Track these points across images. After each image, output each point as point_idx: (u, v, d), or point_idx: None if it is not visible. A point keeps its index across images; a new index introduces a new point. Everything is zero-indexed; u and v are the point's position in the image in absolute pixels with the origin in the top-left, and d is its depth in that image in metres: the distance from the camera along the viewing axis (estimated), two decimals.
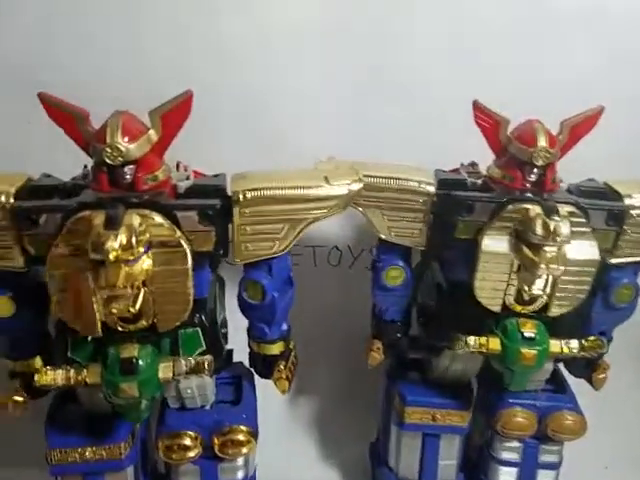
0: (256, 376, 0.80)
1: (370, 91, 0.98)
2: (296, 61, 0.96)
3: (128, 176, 0.59)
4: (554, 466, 0.84)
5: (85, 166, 0.67)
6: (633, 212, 0.70)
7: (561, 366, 0.86)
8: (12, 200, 0.58)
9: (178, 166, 0.68)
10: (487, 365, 0.79)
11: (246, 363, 0.79)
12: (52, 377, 0.60)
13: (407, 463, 0.85)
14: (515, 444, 0.83)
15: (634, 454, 1.05)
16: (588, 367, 0.82)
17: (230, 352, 0.80)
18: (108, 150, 0.56)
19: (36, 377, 0.60)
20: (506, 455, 0.83)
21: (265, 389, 0.86)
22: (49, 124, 0.60)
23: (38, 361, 0.68)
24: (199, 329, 0.66)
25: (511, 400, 0.80)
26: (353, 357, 0.85)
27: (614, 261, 0.73)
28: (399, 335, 0.81)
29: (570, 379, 0.86)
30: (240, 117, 0.95)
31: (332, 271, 1.09)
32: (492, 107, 0.71)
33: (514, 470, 0.84)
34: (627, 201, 0.70)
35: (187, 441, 0.71)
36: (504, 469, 0.84)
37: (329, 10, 0.96)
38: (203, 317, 0.66)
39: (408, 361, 0.86)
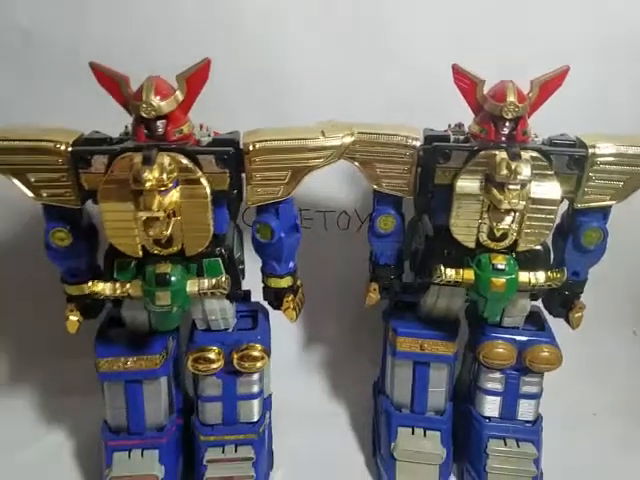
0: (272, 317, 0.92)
1: (370, 59, 1.06)
2: (303, 37, 1.05)
3: (160, 129, 0.73)
4: (534, 396, 0.91)
5: (126, 126, 0.80)
6: (597, 159, 0.77)
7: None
8: (70, 148, 0.73)
9: (202, 127, 0.80)
10: (473, 306, 0.90)
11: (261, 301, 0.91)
12: (102, 287, 0.75)
13: (401, 390, 0.93)
14: (498, 375, 0.90)
15: (621, 400, 1.12)
16: (564, 306, 0.90)
17: (248, 292, 0.94)
18: (144, 106, 0.69)
19: (89, 284, 0.75)
20: (490, 385, 0.91)
21: (283, 335, 0.99)
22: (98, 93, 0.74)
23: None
24: (220, 259, 0.79)
25: (493, 334, 0.89)
26: (360, 307, 0.93)
27: (581, 206, 0.81)
28: (392, 277, 0.89)
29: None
30: (251, 86, 1.05)
31: (341, 234, 1.19)
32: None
33: (498, 399, 0.91)
34: (591, 150, 0.77)
35: (211, 354, 0.84)
36: (489, 398, 0.91)
37: None
38: (223, 250, 0.79)
39: (402, 305, 0.95)
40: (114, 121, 0.77)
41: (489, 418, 0.93)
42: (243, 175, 0.78)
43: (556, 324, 0.92)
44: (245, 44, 1.04)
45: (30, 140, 0.72)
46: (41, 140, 0.72)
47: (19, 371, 1.16)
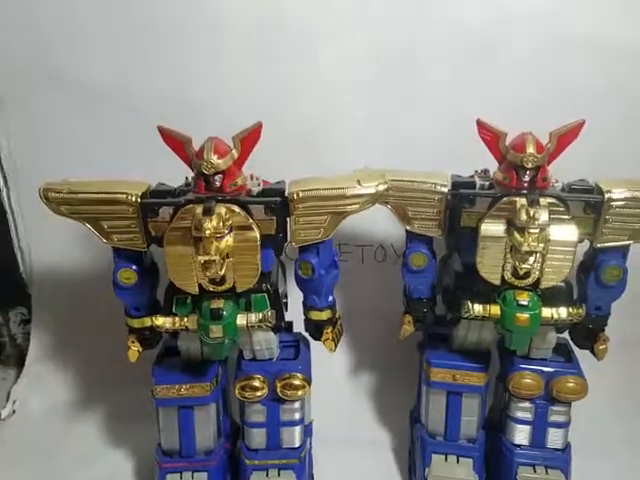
0: (313, 346, 0.99)
1: (402, 106, 1.15)
2: (345, 96, 1.15)
3: (217, 182, 0.82)
4: (562, 425, 0.95)
5: (186, 178, 0.90)
6: (613, 204, 0.84)
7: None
8: (139, 200, 0.84)
9: (252, 177, 0.89)
10: (503, 339, 0.96)
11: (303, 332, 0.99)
12: (163, 321, 0.84)
13: (435, 418, 0.97)
14: (527, 404, 0.94)
15: None
16: (589, 339, 0.95)
17: (291, 323, 1.02)
18: (204, 164, 0.80)
19: (153, 319, 0.85)
20: (520, 414, 0.94)
21: (326, 364, 1.04)
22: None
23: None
24: (266, 294, 0.88)
25: (522, 365, 0.94)
26: (395, 338, 0.98)
27: (600, 245, 0.87)
28: (425, 310, 0.94)
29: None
30: (295, 142, 1.16)
31: (377, 266, 1.26)
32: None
33: (527, 428, 0.95)
34: (607, 195, 0.84)
35: (256, 383, 0.91)
36: (519, 426, 0.95)
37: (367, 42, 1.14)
38: (269, 286, 0.88)
39: (436, 337, 1.01)
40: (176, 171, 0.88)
41: (519, 446, 0.96)
42: (288, 219, 0.86)
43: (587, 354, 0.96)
44: (287, 102, 1.14)
45: (105, 193, 0.83)
46: (115, 192, 0.83)
47: (81, 397, 1.25)
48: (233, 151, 0.82)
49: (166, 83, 1.13)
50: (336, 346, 0.95)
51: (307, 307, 0.93)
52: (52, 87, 1.15)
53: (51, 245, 1.24)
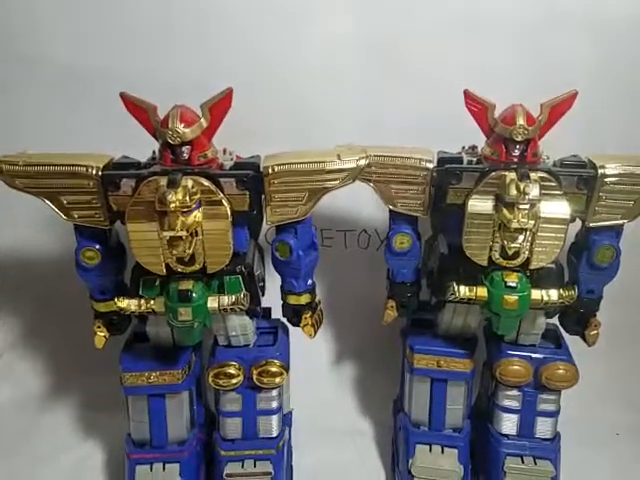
0: (292, 333, 0.95)
1: (388, 82, 1.10)
2: (329, 74, 1.10)
3: (185, 154, 0.77)
4: (552, 414, 0.91)
5: (153, 151, 0.84)
6: (606, 179, 0.79)
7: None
8: (100, 172, 0.78)
9: (225, 151, 0.84)
10: (490, 324, 0.92)
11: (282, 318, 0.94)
12: (127, 303, 0.79)
13: (419, 407, 0.94)
14: (515, 392, 0.91)
15: None
16: (580, 324, 0.91)
17: (269, 310, 0.97)
18: (170, 133, 0.74)
19: (116, 301, 0.79)
20: (507, 403, 0.91)
21: (306, 352, 1.00)
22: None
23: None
24: (240, 277, 0.82)
25: (509, 352, 0.90)
26: (379, 324, 0.95)
27: (593, 224, 0.83)
28: (409, 295, 0.91)
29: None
30: (274, 113, 1.11)
31: (361, 252, 1.21)
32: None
33: (515, 417, 0.92)
34: (600, 170, 0.79)
35: (231, 370, 0.87)
36: (506, 415, 0.92)
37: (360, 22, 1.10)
38: (243, 268, 0.82)
39: (420, 323, 0.97)
40: (145, 145, 0.82)
41: (507, 436, 0.93)
42: (263, 197, 0.81)
43: (576, 341, 0.93)
44: (266, 70, 1.09)
45: (63, 165, 0.77)
46: (74, 165, 0.77)
47: (50, 386, 1.21)
48: (201, 120, 0.76)
49: (140, 59, 1.08)
50: (315, 332, 0.91)
51: (285, 291, 0.89)
52: (14, 66, 1.09)
53: (13, 230, 1.19)
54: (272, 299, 0.93)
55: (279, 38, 1.08)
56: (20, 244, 1.21)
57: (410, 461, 0.93)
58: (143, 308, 0.78)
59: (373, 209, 1.15)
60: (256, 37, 1.08)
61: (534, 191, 0.74)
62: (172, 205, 0.69)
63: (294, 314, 0.90)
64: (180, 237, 0.73)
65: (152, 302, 0.78)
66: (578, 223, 0.86)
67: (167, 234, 0.72)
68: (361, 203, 1.17)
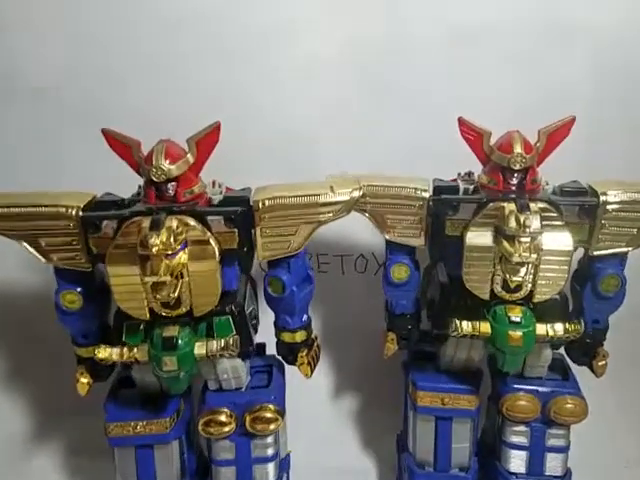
0: (288, 369, 0.90)
1: (380, 110, 1.08)
2: (314, 91, 1.08)
3: (170, 191, 0.73)
4: (561, 450, 0.88)
5: (139, 186, 0.80)
6: (609, 207, 0.77)
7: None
8: (81, 213, 0.74)
9: (214, 184, 0.80)
10: (494, 357, 0.88)
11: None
12: (109, 353, 0.74)
13: (423, 446, 0.90)
14: (522, 428, 0.87)
15: None
16: (587, 355, 0.88)
17: (263, 345, 0.92)
18: (154, 170, 0.71)
19: (96, 351, 0.74)
20: (515, 439, 0.88)
21: (304, 388, 0.95)
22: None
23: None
24: (230, 317, 0.78)
25: (516, 386, 0.86)
26: (379, 354, 0.91)
27: (596, 253, 0.80)
28: (409, 327, 0.88)
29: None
30: (264, 143, 1.08)
31: (358, 278, 1.18)
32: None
33: (524, 453, 0.88)
34: (602, 198, 0.77)
35: (223, 417, 0.82)
36: (514, 452, 0.88)
37: (341, 44, 1.07)
38: (233, 307, 0.78)
39: (422, 355, 0.93)
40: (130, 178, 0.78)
41: (516, 474, 0.89)
42: (253, 231, 0.78)
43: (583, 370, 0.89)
44: (256, 101, 1.07)
45: (42, 205, 0.74)
46: (53, 205, 0.73)
47: (33, 429, 1.15)
48: (188, 155, 0.73)
49: (118, 80, 1.05)
50: (312, 371, 0.87)
51: (279, 328, 0.85)
52: None
53: None
54: (267, 333, 0.89)
55: (263, 63, 1.06)
56: (2, 283, 1.16)
57: None
58: (125, 357, 0.74)
59: (370, 233, 1.10)
60: (239, 66, 1.07)
61: (535, 223, 0.71)
62: (155, 249, 0.65)
63: (289, 352, 0.86)
64: (164, 282, 0.68)
65: (135, 350, 0.74)
66: (581, 250, 0.83)
67: (150, 279, 0.67)
68: (357, 227, 1.12)
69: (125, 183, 0.80)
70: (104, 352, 0.74)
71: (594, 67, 1.04)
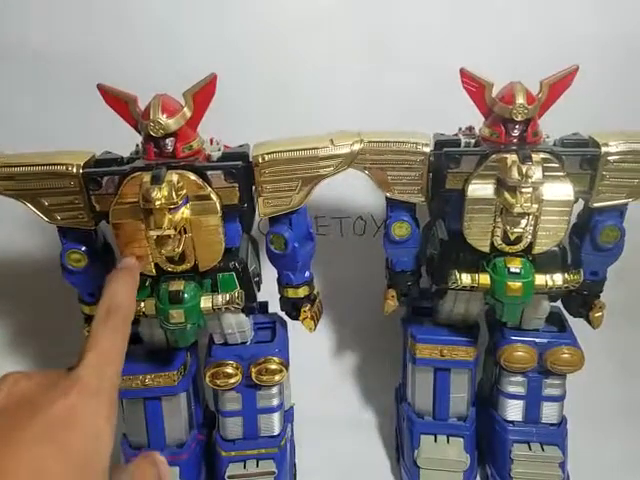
0: (290, 327, 0.92)
1: (381, 65, 1.07)
2: (313, 46, 1.06)
3: (169, 146, 0.73)
4: (558, 399, 0.90)
5: (137, 145, 0.80)
6: (610, 158, 0.76)
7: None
8: (81, 170, 0.74)
9: (212, 141, 0.80)
10: (492, 310, 0.89)
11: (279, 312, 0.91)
12: None
13: (422, 397, 0.92)
14: (519, 378, 0.89)
15: None
16: (584, 306, 0.89)
17: (266, 304, 0.94)
18: (151, 124, 0.70)
19: None
20: (512, 389, 0.89)
21: (306, 345, 0.97)
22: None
23: None
24: (233, 273, 0.79)
25: (513, 337, 0.88)
26: (379, 313, 0.93)
27: (596, 205, 0.80)
28: (409, 284, 0.88)
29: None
30: (263, 99, 1.08)
31: (357, 239, 1.19)
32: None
33: (520, 402, 0.90)
34: (604, 149, 0.76)
35: (229, 369, 0.84)
36: (511, 402, 0.90)
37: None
38: (236, 264, 0.79)
39: (421, 310, 0.95)
40: (128, 138, 0.78)
41: (513, 422, 0.91)
42: (254, 188, 0.77)
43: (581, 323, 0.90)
44: (254, 55, 1.05)
45: (42, 165, 0.73)
46: (52, 164, 0.73)
47: None
48: (185, 109, 0.72)
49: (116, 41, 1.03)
50: (316, 325, 0.88)
51: (282, 284, 0.85)
52: None
53: None
54: (268, 292, 0.90)
55: (265, 19, 1.04)
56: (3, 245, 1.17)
57: (415, 452, 0.92)
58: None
59: (368, 195, 1.12)
60: (239, 21, 1.05)
61: (537, 174, 0.70)
62: (157, 202, 0.65)
63: (292, 308, 0.87)
64: (168, 236, 0.69)
65: (142, 304, 0.75)
66: (580, 203, 0.83)
67: (154, 233, 0.68)
68: (355, 189, 1.14)
69: (121, 143, 0.79)
70: None
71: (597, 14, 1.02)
